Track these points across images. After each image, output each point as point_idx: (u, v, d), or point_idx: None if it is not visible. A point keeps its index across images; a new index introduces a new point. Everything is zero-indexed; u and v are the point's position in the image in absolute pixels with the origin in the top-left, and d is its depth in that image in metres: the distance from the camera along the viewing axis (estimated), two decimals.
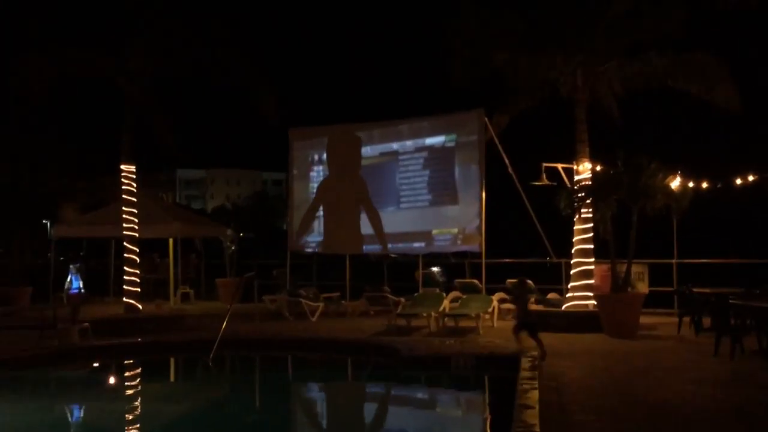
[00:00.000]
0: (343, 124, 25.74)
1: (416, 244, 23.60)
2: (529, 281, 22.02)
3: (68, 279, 20.87)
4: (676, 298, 20.53)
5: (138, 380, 15.85)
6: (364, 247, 24.53)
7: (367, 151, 24.69)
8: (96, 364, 16.27)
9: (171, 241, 28.29)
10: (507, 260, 25.81)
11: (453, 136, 22.90)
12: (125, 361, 16.64)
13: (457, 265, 26.79)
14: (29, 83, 20.48)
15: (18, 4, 23.13)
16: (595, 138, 19.88)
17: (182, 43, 20.92)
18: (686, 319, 17.81)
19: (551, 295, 21.27)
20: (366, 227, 24.22)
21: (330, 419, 12.59)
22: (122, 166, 21.60)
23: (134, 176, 21.62)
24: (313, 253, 27.83)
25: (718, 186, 21.21)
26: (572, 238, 19.90)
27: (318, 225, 25.28)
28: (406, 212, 23.64)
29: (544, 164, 21.78)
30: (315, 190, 25.39)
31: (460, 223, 22.40)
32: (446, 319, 19.44)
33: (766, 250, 21.15)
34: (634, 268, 19.52)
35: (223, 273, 29.69)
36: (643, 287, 20.37)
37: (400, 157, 24.02)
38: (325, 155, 25.35)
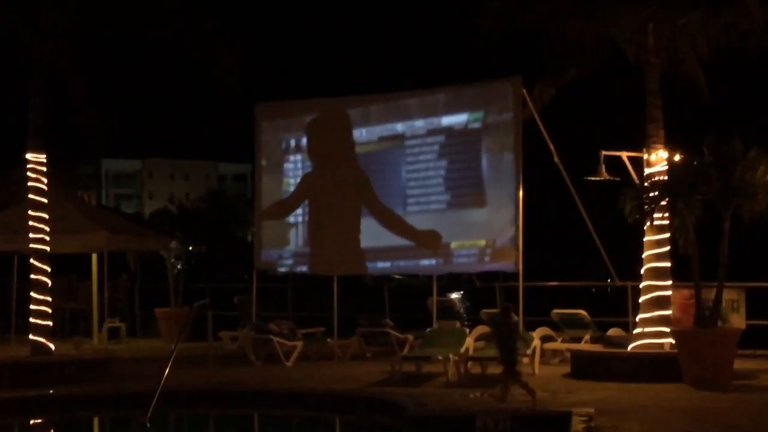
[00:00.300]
0: (328, 98, 25.67)
1: (428, 262, 23.55)
2: (583, 312, 22.13)
3: None
4: None
5: None
6: (368, 266, 24.44)
7: (361, 134, 24.65)
8: None
9: (94, 257, 28.25)
10: (552, 284, 25.75)
11: (479, 114, 22.87)
12: (32, 421, 16.55)
13: (484, 290, 26.74)
14: None
15: None
16: (672, 117, 19.82)
17: None
18: None
19: (613, 331, 21.21)
20: (365, 238, 24.09)
21: None
22: (28, 156, 21.53)
23: (45, 169, 21.56)
24: (288, 274, 27.76)
25: None
26: (641, 253, 19.84)
27: (295, 235, 25.21)
28: (415, 218, 23.58)
29: (604, 152, 21.72)
30: (291, 187, 25.30)
31: (488, 232, 22.35)
32: (470, 363, 19.37)
33: None
34: (727, 294, 19.42)
35: (166, 301, 29.64)
36: (738, 320, 20.28)
37: (408, 143, 23.98)
38: (304, 140, 25.29)
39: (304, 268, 25.55)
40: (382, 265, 24.48)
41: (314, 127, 25.15)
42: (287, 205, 25.25)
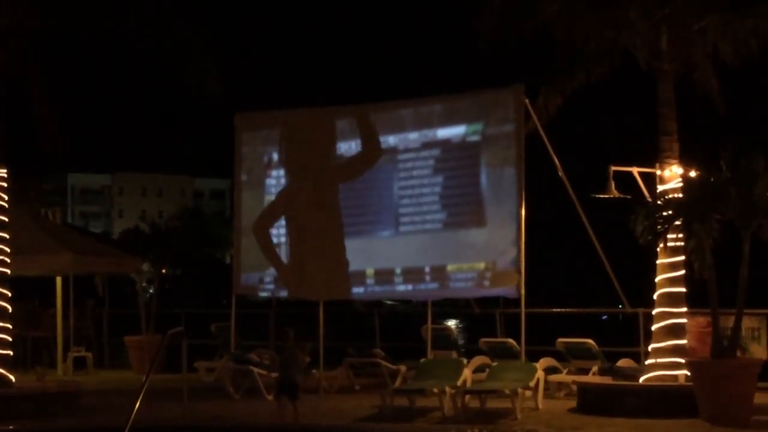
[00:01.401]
0: (313, 108, 25.65)
1: (423, 286, 23.54)
2: (591, 341, 22.13)
3: None
4: None
5: None
6: (356, 291, 24.39)
7: (350, 147, 24.65)
8: None
9: (59, 280, 28.17)
10: (557, 310, 25.78)
11: (478, 126, 22.88)
12: None
13: (483, 316, 26.74)
14: None
15: None
16: (687, 129, 19.86)
17: None
18: None
19: (623, 362, 21.23)
20: (353, 261, 24.01)
21: None
22: None
23: (5, 184, 21.56)
24: (269, 299, 27.72)
25: None
26: (654, 277, 19.87)
27: (278, 256, 25.15)
28: (409, 239, 23.56)
29: (613, 168, 21.76)
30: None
31: (488, 254, 22.34)
32: (468, 397, 19.35)
33: None
34: (746, 323, 19.44)
35: (136, 328, 29.56)
36: (759, 350, 20.29)
37: (401, 157, 23.98)
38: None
39: (287, 293, 25.53)
40: (371, 289, 24.42)
41: (295, 133, 25.05)
42: (270, 215, 25.08)
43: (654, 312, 19.85)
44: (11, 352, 21.37)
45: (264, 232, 24.96)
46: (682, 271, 19.41)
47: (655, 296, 19.83)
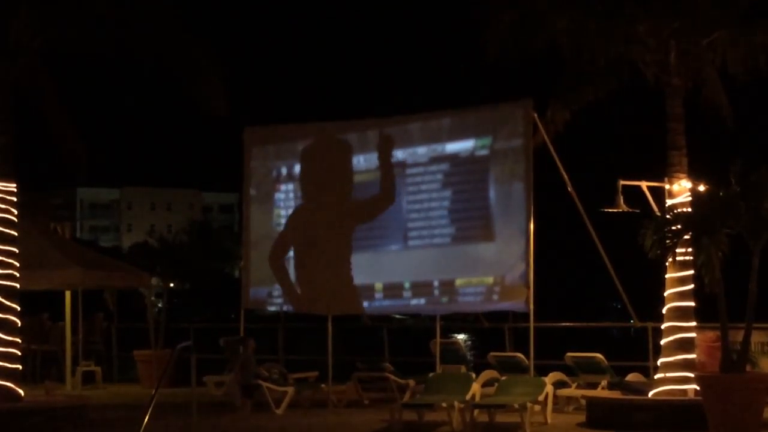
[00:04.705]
0: (322, 122, 25.69)
1: (432, 300, 23.52)
2: (600, 355, 22.10)
3: None
4: None
5: None
6: (364, 305, 24.35)
7: (359, 162, 24.66)
8: None
9: (68, 294, 28.20)
10: (566, 324, 25.71)
11: (487, 140, 22.91)
12: None
13: (492, 331, 26.73)
14: None
15: None
16: (696, 144, 19.85)
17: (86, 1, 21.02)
18: None
19: (632, 376, 21.23)
20: (362, 275, 24.02)
21: None
22: None
23: (15, 199, 21.59)
24: (278, 313, 27.72)
25: None
26: (663, 291, 19.84)
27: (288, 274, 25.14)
28: (418, 253, 23.57)
29: (622, 182, 21.76)
30: (283, 219, 25.32)
31: (496, 268, 22.34)
32: (476, 411, 19.34)
33: None
34: (756, 337, 19.40)
35: (145, 342, 29.57)
36: None
37: (409, 171, 24.00)
38: (297, 168, 25.28)
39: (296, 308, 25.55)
40: (380, 303, 24.42)
41: (309, 150, 25.09)
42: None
43: (663, 326, 19.81)
44: (20, 367, 21.40)
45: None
46: (691, 286, 19.39)
47: (664, 310, 19.80)
